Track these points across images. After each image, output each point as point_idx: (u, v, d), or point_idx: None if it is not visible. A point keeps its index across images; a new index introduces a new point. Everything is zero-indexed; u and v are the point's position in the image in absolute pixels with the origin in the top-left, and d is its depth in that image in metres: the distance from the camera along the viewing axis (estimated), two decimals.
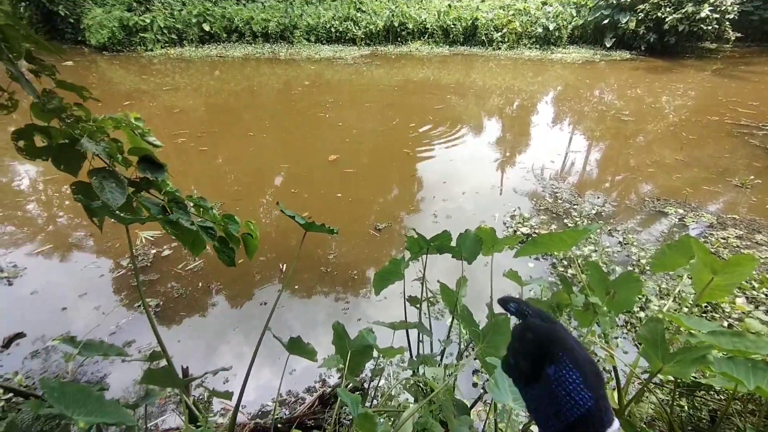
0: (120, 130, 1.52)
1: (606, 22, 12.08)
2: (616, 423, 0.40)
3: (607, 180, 4.90)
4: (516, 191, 4.42)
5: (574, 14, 12.90)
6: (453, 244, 1.49)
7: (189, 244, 1.58)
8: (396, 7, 13.30)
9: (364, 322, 2.66)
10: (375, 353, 1.24)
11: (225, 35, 12.35)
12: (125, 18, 11.18)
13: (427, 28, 12.82)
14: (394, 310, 2.73)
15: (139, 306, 2.78)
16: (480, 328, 1.19)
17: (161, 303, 2.81)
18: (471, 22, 12.58)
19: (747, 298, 2.67)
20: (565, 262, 3.20)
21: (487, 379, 2.22)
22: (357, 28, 12.66)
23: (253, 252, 1.71)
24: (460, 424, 1.21)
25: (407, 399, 1.98)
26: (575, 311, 1.33)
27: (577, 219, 3.85)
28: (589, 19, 12.59)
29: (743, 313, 2.22)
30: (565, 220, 3.83)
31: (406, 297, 1.65)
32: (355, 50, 12.12)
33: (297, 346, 1.19)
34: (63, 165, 1.36)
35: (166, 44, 11.74)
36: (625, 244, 3.47)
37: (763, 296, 2.67)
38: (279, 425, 1.97)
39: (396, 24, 12.66)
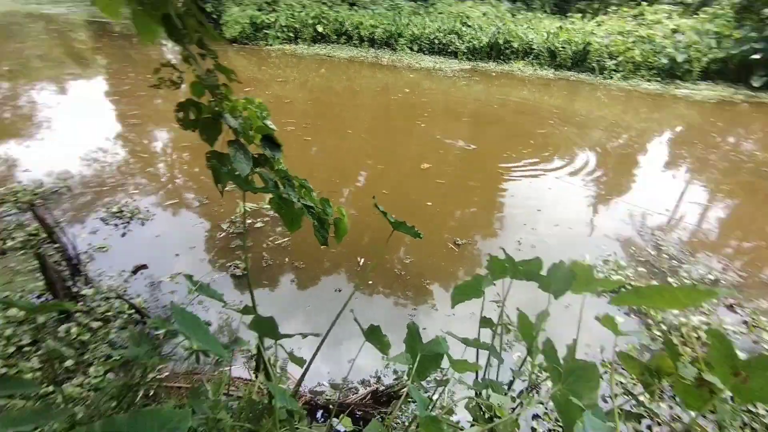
0: (246, 111, 1.74)
1: (756, 57, 10.41)
2: None
3: (733, 243, 4.21)
4: (612, 235, 4.02)
5: (713, 45, 11.31)
6: (543, 272, 1.42)
7: (288, 220, 1.74)
8: (503, 24, 13.01)
9: (429, 333, 2.65)
10: (446, 363, 1.23)
11: (335, 37, 13.24)
12: (255, 16, 12.65)
13: (533, 49, 12.32)
14: (458, 328, 2.66)
15: (229, 266, 3.11)
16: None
17: (247, 268, 3.12)
18: (582, 46, 11.78)
19: None
20: (664, 327, 2.80)
21: (550, 430, 2.06)
22: (460, 41, 12.66)
23: (342, 236, 1.83)
24: None
25: (458, 421, 1.92)
26: (680, 385, 1.17)
27: (687, 281, 3.36)
28: (732, 53, 10.95)
29: None
30: (670, 279, 3.37)
31: (481, 318, 1.60)
32: (456, 63, 12.13)
33: (375, 335, 1.23)
34: (206, 135, 1.60)
35: (284, 41, 12.99)
36: (754, 326, 2.93)
37: None
38: (331, 406, 2.05)
39: (500, 42, 12.39)
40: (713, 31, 11.62)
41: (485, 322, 1.61)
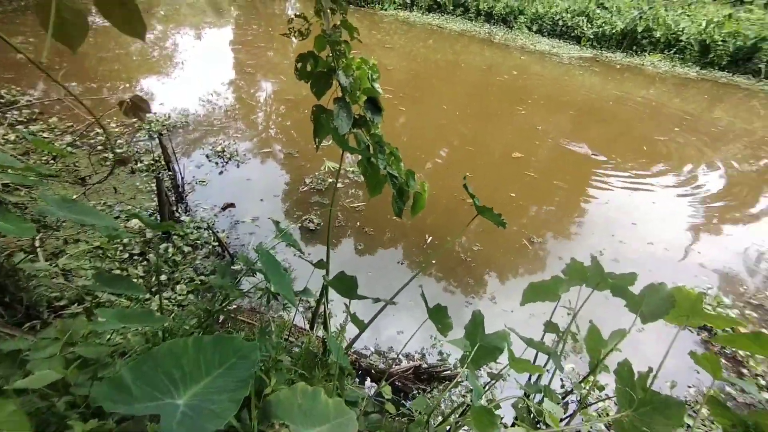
0: (358, 71, 1.78)
1: None
2: None
3: None
4: (717, 267, 3.45)
5: None
6: (632, 287, 1.28)
7: (372, 184, 1.80)
8: (650, 8, 11.19)
9: (490, 324, 2.61)
10: (503, 358, 1.21)
11: (452, 7, 12.72)
12: None
13: (680, 40, 10.45)
14: (515, 326, 2.57)
15: (305, 219, 3.34)
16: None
17: (320, 224, 3.31)
18: (753, 41, 9.61)
19: None
20: (763, 382, 2.40)
21: None
22: (589, 25, 11.28)
23: (419, 209, 1.84)
24: None
25: (502, 417, 1.89)
26: None
27: None
28: None
29: None
30: None
31: (548, 321, 1.52)
32: (576, 50, 10.91)
33: (439, 314, 1.25)
34: (316, 89, 1.69)
35: (399, 6, 12.88)
36: None
37: None
38: (374, 371, 2.16)
39: (639, 29, 10.72)
40: None
41: (551, 326, 1.52)
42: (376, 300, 1.25)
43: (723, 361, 2.53)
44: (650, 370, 1.41)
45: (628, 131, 6.27)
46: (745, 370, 2.48)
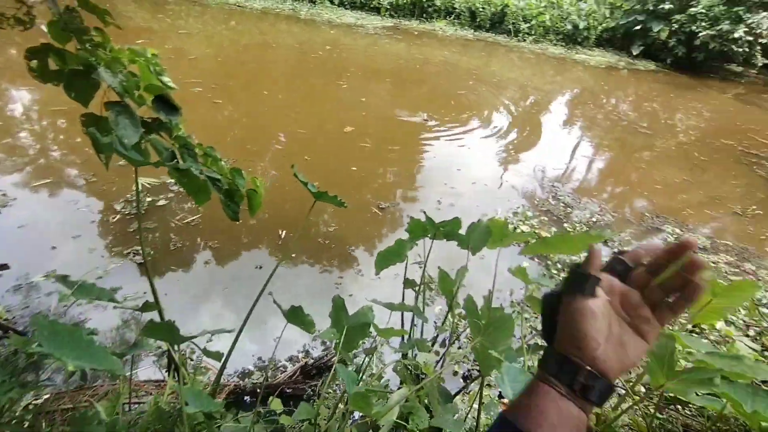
0: (135, 65, 1.45)
1: (637, 28, 11.75)
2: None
3: (608, 189, 4.89)
4: (521, 189, 4.40)
5: (607, 15, 12.51)
6: (462, 231, 1.48)
7: (194, 193, 1.55)
8: None
9: (356, 299, 2.67)
10: (372, 331, 1.24)
11: None
12: None
13: (455, 8, 12.39)
14: (385, 291, 2.74)
15: (128, 253, 2.74)
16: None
17: (152, 253, 2.78)
18: (501, 8, 12.15)
19: (726, 321, 2.72)
20: (559, 266, 3.22)
21: (469, 370, 2.27)
22: None
23: (256, 209, 1.69)
24: (446, 412, 1.23)
25: (388, 381, 2.01)
26: None
27: (577, 224, 3.86)
28: (620, 23, 12.22)
29: (730, 337, 2.26)
30: (565, 224, 3.83)
31: (404, 280, 1.64)
32: (378, 20, 11.70)
33: (297, 316, 1.18)
34: (74, 93, 1.30)
35: None
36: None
37: (741, 322, 2.73)
38: (258, 390, 2.00)
39: None
40: (609, 2, 12.77)
41: (408, 283, 1.65)
42: (213, 333, 1.09)
43: (536, 260, 3.27)
44: (490, 292, 1.67)
45: (437, 89, 7.17)
46: (549, 262, 3.27)
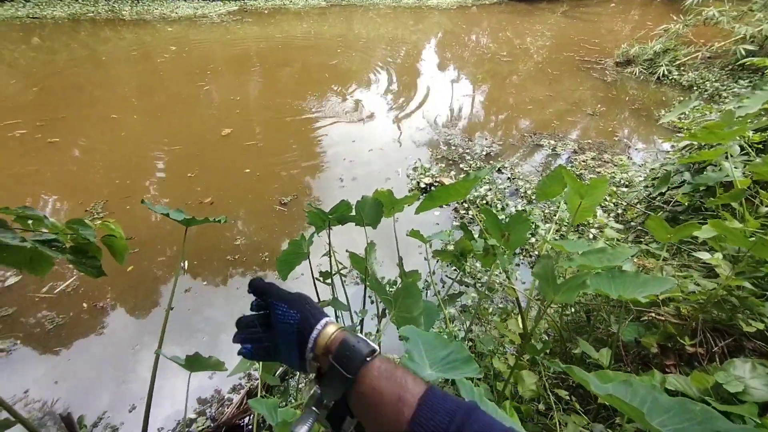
0: None
1: None
2: (324, 319, 0.51)
3: (492, 121, 5.29)
4: (415, 143, 4.52)
5: None
6: (353, 212, 1.43)
7: (26, 266, 1.26)
8: None
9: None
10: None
11: None
12: None
13: None
14: (310, 289, 2.64)
15: None
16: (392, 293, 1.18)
17: (17, 343, 2.28)
18: None
19: (602, 209, 3.21)
20: (465, 205, 3.43)
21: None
22: None
23: (122, 254, 1.44)
24: None
25: None
26: (477, 255, 1.41)
27: (471, 162, 4.12)
28: None
29: (603, 224, 2.67)
30: (461, 165, 4.07)
31: (316, 274, 1.57)
32: (220, 5, 10.64)
33: (198, 363, 1.04)
34: None
35: None
36: (513, 178, 3.84)
37: (612, 206, 3.24)
38: None
39: None
40: None
41: (322, 275, 1.59)
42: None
43: (444, 207, 3.44)
44: (400, 259, 1.68)
45: (308, 65, 6.87)
46: (462, 211, 3.47)
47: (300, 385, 1.84)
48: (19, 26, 8.31)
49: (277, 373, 1.74)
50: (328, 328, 0.50)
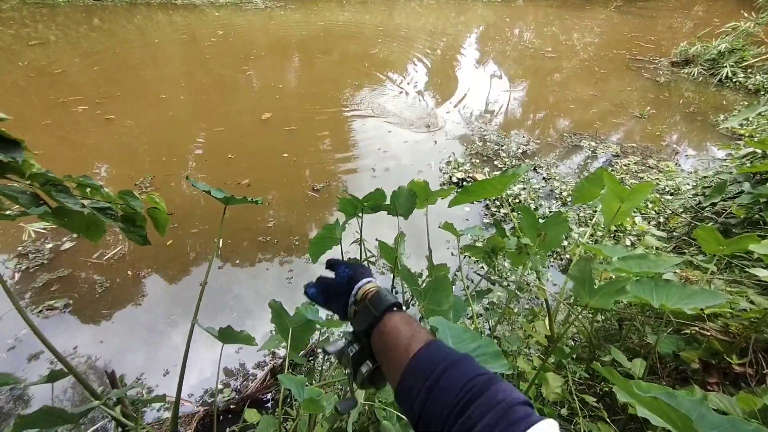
0: None
1: None
2: (369, 278, 0.63)
3: (530, 118, 5.12)
4: (450, 137, 4.46)
5: None
6: (387, 201, 1.44)
7: (83, 231, 1.36)
8: None
9: None
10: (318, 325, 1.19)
11: None
12: None
13: None
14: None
15: (41, 311, 2.41)
16: (422, 284, 1.19)
17: (70, 303, 2.48)
18: None
19: (643, 216, 3.05)
20: (498, 203, 3.36)
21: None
22: None
23: (164, 227, 1.53)
24: None
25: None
26: (508, 253, 1.39)
27: (506, 159, 4.02)
28: None
29: (643, 231, 2.53)
30: (495, 162, 3.98)
31: (332, 260, 1.59)
32: None
33: (230, 335, 1.10)
34: None
35: None
36: (549, 179, 3.72)
37: (653, 213, 3.07)
38: (232, 406, 1.92)
39: None
40: None
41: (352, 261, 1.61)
42: (126, 389, 0.98)
43: (475, 203, 3.39)
44: (430, 252, 1.67)
45: (347, 54, 6.89)
46: (488, 202, 3.40)
47: (324, 366, 1.89)
48: (82, 7, 8.83)
49: (303, 353, 1.80)
50: (370, 284, 0.61)
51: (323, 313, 1.44)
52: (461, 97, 5.46)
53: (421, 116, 4.85)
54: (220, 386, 2.06)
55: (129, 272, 2.73)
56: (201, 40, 7.37)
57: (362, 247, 1.58)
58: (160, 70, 6.15)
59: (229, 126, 4.56)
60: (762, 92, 5.23)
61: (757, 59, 5.74)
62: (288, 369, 1.13)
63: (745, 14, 6.23)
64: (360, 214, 1.50)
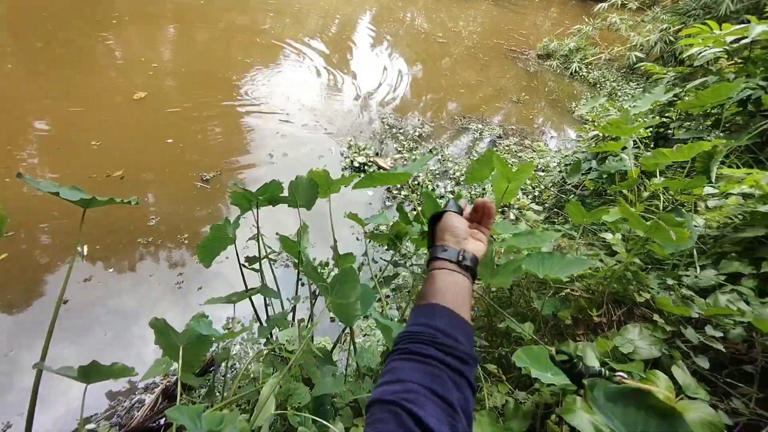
0: None
1: None
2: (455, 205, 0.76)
3: (426, 100, 5.36)
4: (349, 121, 4.40)
5: None
6: (285, 192, 1.33)
7: None
8: None
9: (206, 291, 2.35)
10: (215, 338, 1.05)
11: None
12: None
13: None
14: (236, 275, 2.47)
15: None
16: (328, 277, 1.13)
17: None
18: None
19: (522, 191, 3.48)
20: (399, 186, 3.46)
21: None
22: None
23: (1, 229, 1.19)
24: (326, 375, 1.20)
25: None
26: (413, 238, 1.42)
27: (404, 142, 4.15)
28: None
29: (524, 206, 2.90)
30: (394, 145, 4.08)
31: (242, 260, 1.45)
32: None
33: (96, 372, 0.89)
34: None
35: None
36: (443, 160, 3.96)
37: (530, 188, 3.53)
38: None
39: None
40: None
41: (249, 260, 1.47)
42: None
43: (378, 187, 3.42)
44: (335, 242, 1.62)
45: (233, 28, 6.21)
46: (395, 191, 3.47)
47: (227, 376, 1.72)
48: None
49: (199, 370, 1.60)
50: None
51: (219, 324, 1.30)
52: (358, 78, 5.41)
53: (320, 98, 4.68)
54: (92, 425, 1.72)
55: None
56: (37, 2, 5.84)
57: (261, 243, 1.45)
58: None
59: (89, 106, 3.76)
60: (598, 85, 6.34)
61: (595, 57, 6.94)
62: (181, 394, 0.98)
63: (586, 19, 7.42)
64: (257, 208, 1.37)
